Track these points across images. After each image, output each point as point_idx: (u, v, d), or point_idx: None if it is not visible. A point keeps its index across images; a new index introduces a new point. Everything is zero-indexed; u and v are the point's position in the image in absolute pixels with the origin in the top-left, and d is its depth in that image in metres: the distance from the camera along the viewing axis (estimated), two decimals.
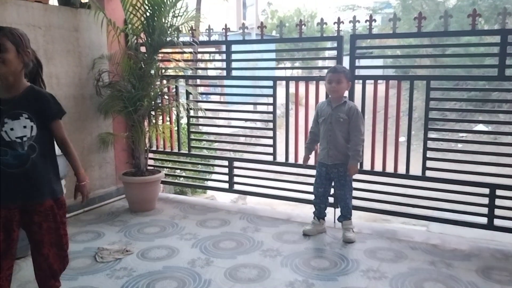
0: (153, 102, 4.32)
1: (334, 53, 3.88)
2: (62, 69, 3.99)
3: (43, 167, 2.10)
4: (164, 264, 3.06)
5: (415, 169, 3.71)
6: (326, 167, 3.50)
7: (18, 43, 2.01)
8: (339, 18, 3.78)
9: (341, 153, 3.43)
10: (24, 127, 2.02)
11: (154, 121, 4.49)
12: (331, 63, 3.99)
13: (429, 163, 3.62)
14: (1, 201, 2.04)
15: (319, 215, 3.64)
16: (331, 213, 3.95)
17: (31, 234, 2.15)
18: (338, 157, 3.44)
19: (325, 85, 3.51)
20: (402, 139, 4.24)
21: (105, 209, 4.31)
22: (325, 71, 3.58)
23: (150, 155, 4.69)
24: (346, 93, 3.57)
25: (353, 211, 3.97)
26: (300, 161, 4.05)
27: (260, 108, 4.71)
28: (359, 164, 3.46)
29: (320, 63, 16.05)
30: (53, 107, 2.11)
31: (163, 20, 4.09)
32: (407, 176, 3.72)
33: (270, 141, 4.27)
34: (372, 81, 3.84)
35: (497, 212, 3.45)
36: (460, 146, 10.15)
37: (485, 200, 3.47)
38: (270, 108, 4.25)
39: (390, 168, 3.78)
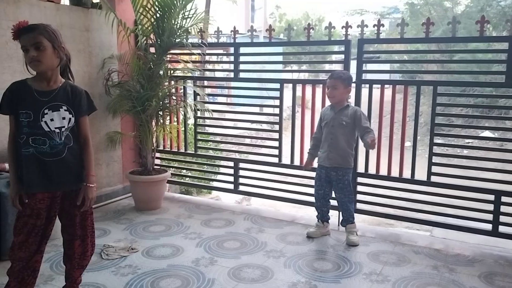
0: (161, 102, 4.36)
1: (341, 57, 3.91)
2: (73, 68, 3.91)
3: (77, 156, 2.25)
4: (168, 262, 3.10)
5: (420, 174, 3.71)
6: (325, 169, 3.51)
7: (53, 39, 2.11)
8: (347, 23, 3.81)
9: (341, 157, 3.43)
10: (63, 118, 2.16)
11: (161, 121, 4.54)
12: (338, 67, 4.01)
13: (435, 168, 3.63)
14: (38, 189, 2.16)
15: (322, 218, 3.65)
16: (336, 216, 3.97)
17: (66, 221, 2.32)
18: (337, 161, 3.44)
19: None
20: (408, 144, 4.25)
21: (111, 207, 4.36)
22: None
23: (157, 154, 4.74)
24: (351, 98, 3.59)
25: (357, 214, 3.99)
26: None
27: (266, 110, 4.74)
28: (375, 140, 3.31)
29: (327, 66, 16.02)
30: (85, 103, 2.26)
31: (173, 22, 4.13)
32: (412, 180, 3.73)
33: (276, 143, 4.30)
34: (379, 86, 3.86)
35: (502, 218, 3.46)
36: (466, 152, 10.10)
37: (490, 207, 3.47)
38: (277, 111, 4.29)
39: (395, 173, 3.80)
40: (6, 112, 2.16)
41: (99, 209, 4.27)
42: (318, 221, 3.67)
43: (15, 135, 2.15)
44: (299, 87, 4.17)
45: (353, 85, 3.78)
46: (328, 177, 3.52)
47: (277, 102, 4.25)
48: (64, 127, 2.16)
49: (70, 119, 2.18)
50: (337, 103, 3.45)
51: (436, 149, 3.67)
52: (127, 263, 3.06)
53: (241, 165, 4.57)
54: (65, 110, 2.17)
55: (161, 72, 4.31)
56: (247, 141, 5.25)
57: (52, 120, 2.13)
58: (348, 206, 3.52)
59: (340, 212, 3.64)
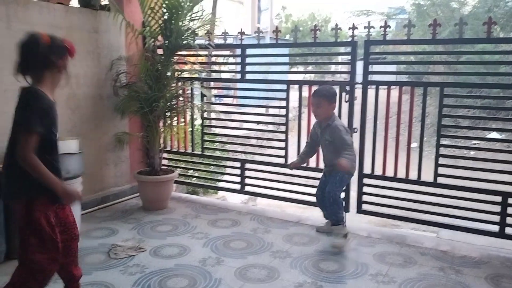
0: (168, 103, 4.40)
1: (347, 58, 3.92)
2: (82, 69, 4.09)
3: None
4: (175, 262, 3.13)
5: (427, 175, 3.71)
6: (325, 174, 3.62)
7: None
8: (353, 24, 3.82)
9: (335, 166, 3.41)
10: None
11: (169, 121, 4.57)
12: (345, 68, 4.02)
13: (441, 170, 3.63)
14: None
15: (326, 217, 3.68)
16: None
17: None
18: (333, 168, 3.47)
19: None
20: (414, 145, 4.25)
21: (119, 207, 4.40)
22: (338, 76, 3.62)
23: (164, 155, 4.78)
24: (336, 111, 3.57)
25: (363, 215, 4.01)
26: (312, 165, 4.10)
27: (272, 111, 4.76)
28: (349, 163, 3.30)
29: (333, 67, 16.07)
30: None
31: (180, 23, 4.17)
32: (418, 182, 3.73)
33: (282, 144, 4.32)
34: (386, 87, 3.86)
35: (509, 220, 3.45)
36: (472, 153, 10.06)
37: (497, 208, 3.47)
38: (283, 111, 4.30)
39: (401, 174, 3.80)
40: (41, 131, 2.01)
41: (107, 209, 4.31)
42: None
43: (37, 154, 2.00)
44: (305, 88, 4.18)
45: (359, 86, 3.81)
46: (327, 181, 3.56)
47: (283, 103, 4.27)
48: None
49: None
50: (323, 119, 3.48)
51: (442, 151, 3.67)
52: (135, 262, 3.10)
53: (247, 165, 4.59)
54: None
55: (169, 74, 4.35)
56: (253, 141, 5.26)
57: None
58: (336, 199, 3.43)
59: (347, 213, 3.68)
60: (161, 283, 2.79)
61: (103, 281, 2.80)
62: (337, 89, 3.87)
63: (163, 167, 4.56)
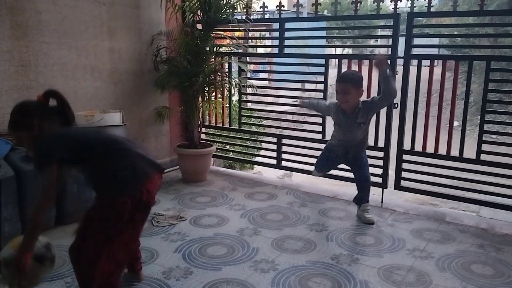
0: (207, 78, 4.46)
1: (387, 32, 3.81)
2: (124, 44, 4.20)
3: None
4: (214, 231, 3.24)
5: (468, 154, 3.61)
6: (342, 156, 3.52)
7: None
8: None
9: (360, 147, 3.43)
10: None
11: (207, 96, 4.65)
12: (386, 42, 3.91)
13: (485, 147, 3.52)
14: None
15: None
16: (378, 194, 3.97)
17: None
18: (358, 151, 3.44)
19: None
20: (456, 123, 4.13)
21: None
22: (378, 50, 3.54)
23: (203, 129, 4.88)
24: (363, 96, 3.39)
25: (401, 192, 3.98)
26: None
27: (309, 86, 4.72)
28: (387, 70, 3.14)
29: (372, 42, 15.64)
30: None
31: None
32: (460, 158, 3.64)
33: (320, 120, 4.30)
34: (427, 64, 3.74)
35: None
36: None
37: None
38: (320, 87, 4.27)
39: (442, 151, 3.72)
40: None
41: None
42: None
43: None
44: (344, 65, 4.12)
45: (401, 61, 3.72)
46: (347, 159, 3.50)
47: (321, 78, 4.24)
48: None
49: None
50: (351, 107, 3.29)
51: (486, 127, 3.54)
52: (176, 230, 3.23)
53: (284, 141, 4.62)
54: None
55: (208, 48, 4.39)
56: (290, 117, 5.26)
57: None
58: (369, 184, 3.46)
59: (361, 190, 3.51)
60: (201, 250, 2.91)
61: (147, 247, 2.94)
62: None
63: (201, 141, 4.67)
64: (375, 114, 3.55)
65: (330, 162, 3.62)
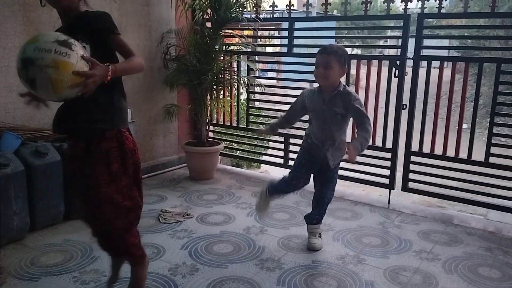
0: (216, 77, 4.48)
1: (398, 32, 3.80)
2: (134, 42, 4.23)
3: None
4: (221, 229, 3.25)
5: (477, 157, 3.59)
6: (321, 162, 2.88)
7: None
8: None
9: (338, 151, 2.82)
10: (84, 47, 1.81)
11: (215, 95, 4.66)
12: (394, 43, 3.90)
13: (494, 149, 3.49)
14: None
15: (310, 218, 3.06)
16: (386, 195, 3.96)
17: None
18: (337, 155, 2.83)
19: None
20: (465, 126, 4.10)
21: (167, 176, 4.59)
22: (388, 50, 3.52)
23: (211, 127, 4.90)
24: (343, 80, 2.83)
25: (408, 193, 3.93)
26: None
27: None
28: (360, 151, 2.60)
29: (381, 42, 15.58)
30: (107, 23, 1.92)
31: None
32: (469, 161, 3.61)
33: None
34: (437, 65, 3.72)
35: None
36: None
37: None
38: None
39: (450, 153, 3.70)
40: None
41: (156, 177, 4.51)
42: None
43: None
44: (353, 66, 4.11)
45: (410, 62, 3.70)
46: (323, 172, 2.90)
47: None
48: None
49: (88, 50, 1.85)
50: (328, 87, 2.69)
51: (495, 130, 3.52)
52: (182, 228, 3.25)
53: (291, 140, 4.63)
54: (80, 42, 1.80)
55: (217, 47, 4.41)
56: None
57: None
58: (327, 204, 2.99)
59: (315, 208, 3.01)
60: (207, 248, 2.92)
61: (154, 243, 2.96)
62: (386, 64, 3.81)
63: (209, 139, 4.69)
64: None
65: (304, 170, 2.89)
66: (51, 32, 1.73)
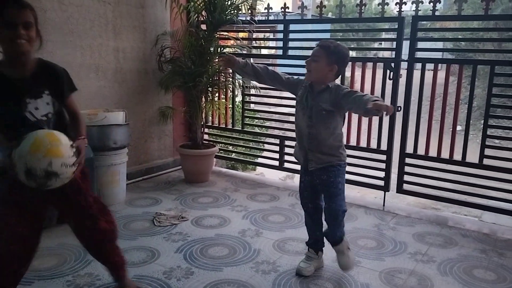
0: (210, 79, 4.47)
1: (392, 35, 3.81)
2: (128, 43, 4.21)
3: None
4: (216, 232, 3.24)
5: (471, 159, 3.61)
6: (309, 175, 2.57)
7: (36, 17, 1.85)
8: None
9: (327, 155, 2.47)
10: (47, 103, 1.91)
11: (210, 97, 4.65)
12: (388, 45, 3.92)
13: (488, 151, 3.51)
14: None
15: (315, 245, 2.71)
16: (380, 197, 3.96)
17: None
18: (323, 160, 2.49)
19: None
20: (459, 128, 4.12)
21: (162, 178, 4.57)
22: (382, 53, 3.53)
23: (206, 130, 4.88)
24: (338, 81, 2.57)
25: (403, 195, 3.93)
26: (352, 143, 4.07)
27: None
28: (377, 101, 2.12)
29: (376, 45, 15.65)
30: (68, 85, 2.01)
31: None
32: (463, 163, 3.63)
33: None
34: (431, 68, 3.73)
35: None
36: None
37: None
38: None
39: (445, 155, 3.71)
40: None
41: (151, 180, 4.49)
42: (308, 249, 2.73)
43: None
44: (348, 68, 4.12)
45: (405, 64, 3.71)
46: (315, 185, 2.57)
47: None
48: (50, 112, 1.92)
49: (54, 103, 1.93)
50: (314, 81, 2.45)
51: (490, 131, 3.54)
52: (177, 231, 3.23)
53: (287, 142, 4.62)
54: (47, 94, 1.91)
55: (212, 49, 4.40)
56: (292, 118, 5.26)
57: (36, 109, 1.88)
58: (340, 217, 2.52)
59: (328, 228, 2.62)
60: (202, 251, 2.91)
61: (148, 246, 2.94)
62: (381, 66, 3.82)
63: (204, 141, 4.67)
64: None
65: (305, 194, 2.65)
66: (68, 140, 1.84)
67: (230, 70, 4.77)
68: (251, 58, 4.91)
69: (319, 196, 2.61)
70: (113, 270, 2.28)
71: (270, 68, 2.65)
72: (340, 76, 2.75)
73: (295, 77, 2.65)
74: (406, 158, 3.88)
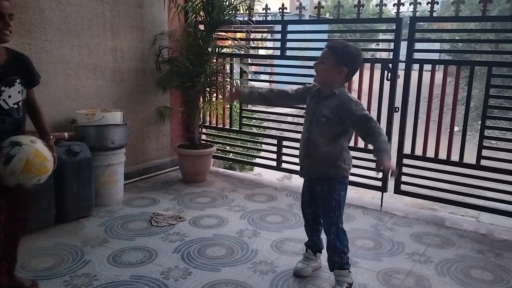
0: (208, 79, 4.47)
1: (390, 36, 3.82)
2: (126, 43, 4.20)
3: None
4: (214, 232, 3.24)
5: (468, 160, 3.62)
6: (307, 181, 2.55)
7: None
8: (399, 0, 3.71)
9: (323, 165, 2.37)
10: (19, 92, 2.02)
11: (208, 97, 4.65)
12: (386, 46, 3.92)
13: (485, 152, 3.52)
14: None
15: (314, 246, 2.67)
16: (378, 197, 3.97)
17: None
18: (317, 170, 2.40)
19: None
20: (456, 128, 4.13)
21: (160, 178, 4.56)
22: (380, 54, 3.53)
23: (203, 130, 4.88)
24: (346, 85, 2.42)
25: (400, 196, 3.93)
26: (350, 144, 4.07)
27: None
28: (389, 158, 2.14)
29: (373, 45, 15.68)
30: (36, 73, 2.14)
31: None
32: (460, 164, 3.64)
33: None
34: (429, 68, 3.74)
35: None
36: None
37: None
38: None
39: (442, 156, 3.72)
40: None
41: (148, 180, 4.48)
42: (306, 250, 2.70)
43: None
44: None
45: (402, 65, 3.71)
46: (312, 193, 2.52)
47: None
48: (20, 101, 2.03)
49: (22, 91, 2.04)
50: (324, 84, 2.35)
51: (487, 132, 3.55)
52: (175, 231, 3.23)
53: (284, 143, 4.62)
54: (18, 83, 2.02)
55: (210, 49, 4.40)
56: (290, 119, 5.27)
57: (10, 96, 1.98)
58: (336, 238, 2.38)
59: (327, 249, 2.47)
60: (200, 251, 2.90)
61: (146, 246, 2.94)
62: (379, 67, 3.83)
63: (202, 141, 4.67)
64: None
65: (305, 198, 2.59)
66: (48, 151, 2.09)
67: (228, 70, 4.78)
68: (249, 59, 4.93)
69: (318, 204, 2.50)
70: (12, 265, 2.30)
71: (274, 88, 2.63)
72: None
73: (301, 86, 2.57)
74: (404, 159, 3.89)
